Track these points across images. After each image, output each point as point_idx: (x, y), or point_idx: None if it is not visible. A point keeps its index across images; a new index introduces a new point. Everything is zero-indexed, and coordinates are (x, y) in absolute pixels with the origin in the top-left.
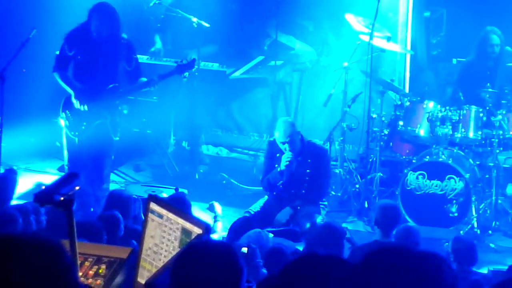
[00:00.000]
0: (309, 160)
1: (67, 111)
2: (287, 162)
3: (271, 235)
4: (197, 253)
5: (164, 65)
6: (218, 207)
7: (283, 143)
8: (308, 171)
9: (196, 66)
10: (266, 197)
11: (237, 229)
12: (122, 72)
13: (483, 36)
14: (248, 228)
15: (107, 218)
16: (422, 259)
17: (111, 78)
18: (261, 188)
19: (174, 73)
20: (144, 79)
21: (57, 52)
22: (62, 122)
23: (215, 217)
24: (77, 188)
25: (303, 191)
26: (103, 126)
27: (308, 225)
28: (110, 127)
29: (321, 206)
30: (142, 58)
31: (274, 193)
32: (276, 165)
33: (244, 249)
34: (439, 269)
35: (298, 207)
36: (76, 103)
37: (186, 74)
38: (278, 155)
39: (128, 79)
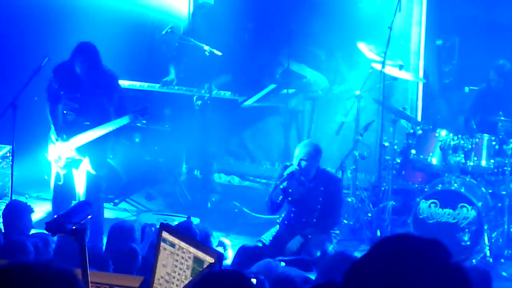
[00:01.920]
0: (322, 188)
1: (52, 144)
2: (289, 171)
3: (283, 263)
4: (213, 282)
5: (175, 93)
6: (225, 240)
7: (298, 158)
8: (320, 199)
9: (147, 114)
10: (277, 226)
11: (246, 255)
12: (105, 108)
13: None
14: (258, 256)
15: (124, 251)
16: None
17: (89, 116)
18: (273, 216)
19: (130, 118)
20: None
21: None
22: (50, 154)
23: (224, 246)
24: (89, 217)
25: (314, 220)
26: (82, 161)
27: (318, 253)
28: (90, 163)
29: (332, 234)
30: (154, 86)
31: (284, 221)
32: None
33: (253, 280)
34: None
35: (309, 236)
36: (54, 139)
37: (144, 121)
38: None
39: (116, 116)
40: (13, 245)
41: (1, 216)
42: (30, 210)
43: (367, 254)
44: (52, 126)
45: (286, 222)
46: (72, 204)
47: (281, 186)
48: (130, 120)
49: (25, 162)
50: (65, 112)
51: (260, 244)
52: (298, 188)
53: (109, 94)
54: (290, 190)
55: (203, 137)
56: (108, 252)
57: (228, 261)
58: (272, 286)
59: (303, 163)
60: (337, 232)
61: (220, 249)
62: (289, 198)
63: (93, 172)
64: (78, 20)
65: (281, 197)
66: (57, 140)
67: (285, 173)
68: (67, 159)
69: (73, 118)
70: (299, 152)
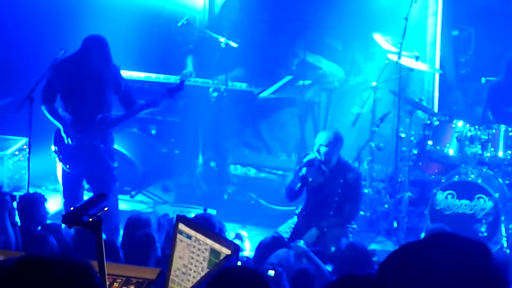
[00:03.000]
0: (341, 180)
1: (60, 144)
2: (308, 158)
3: (301, 242)
4: (229, 281)
5: (191, 85)
6: (242, 232)
7: (318, 144)
8: (339, 191)
9: (183, 88)
10: (295, 218)
11: (265, 248)
12: (112, 100)
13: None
14: (277, 248)
15: (141, 238)
16: (471, 244)
17: (100, 108)
18: (289, 208)
19: (165, 97)
20: (142, 102)
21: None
22: (56, 155)
23: (241, 238)
24: (105, 209)
25: (332, 212)
26: (98, 156)
27: (333, 249)
28: (106, 155)
29: (349, 229)
30: (170, 78)
31: (302, 212)
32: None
33: (271, 272)
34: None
35: (325, 229)
36: (65, 138)
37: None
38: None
39: (122, 105)
40: (35, 240)
41: (16, 209)
42: (43, 199)
43: (409, 247)
44: (61, 126)
45: (304, 213)
46: (88, 196)
47: (300, 174)
48: (169, 96)
49: (41, 155)
50: (70, 108)
51: (277, 235)
52: (318, 177)
53: (117, 83)
54: (310, 179)
55: (219, 129)
56: (124, 244)
57: (245, 252)
58: (289, 277)
59: (323, 149)
60: (354, 226)
61: (237, 242)
62: (308, 187)
63: (112, 164)
64: (93, 12)
65: (299, 184)
66: (68, 139)
67: (304, 160)
68: (74, 158)
69: (80, 112)
70: (319, 139)
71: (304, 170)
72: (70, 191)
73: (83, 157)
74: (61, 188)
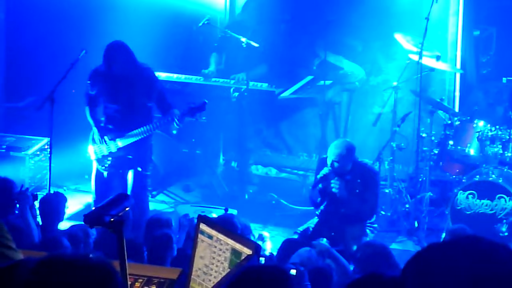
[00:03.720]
0: (358, 180)
1: (95, 144)
2: (322, 174)
3: (324, 239)
4: (252, 278)
5: (212, 85)
6: (265, 233)
7: (330, 159)
8: (357, 191)
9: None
10: (315, 218)
11: (290, 245)
12: (148, 104)
13: None
14: (301, 246)
15: (158, 237)
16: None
17: (132, 114)
18: (310, 208)
19: (186, 115)
20: (177, 112)
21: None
22: (91, 155)
23: (262, 239)
24: (127, 209)
25: (351, 211)
26: (128, 161)
27: (355, 247)
28: (136, 162)
29: (370, 228)
30: (191, 78)
31: (322, 212)
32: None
33: (293, 271)
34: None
35: (343, 210)
36: (97, 141)
37: (203, 118)
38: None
39: (158, 110)
40: (49, 241)
41: (38, 209)
42: (64, 200)
43: (432, 248)
44: (95, 128)
45: (325, 214)
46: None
47: (317, 188)
48: (190, 116)
49: (63, 155)
50: (107, 114)
51: (297, 235)
52: (335, 184)
53: (147, 90)
54: (331, 185)
55: (240, 129)
56: (145, 243)
57: (267, 252)
58: (310, 276)
59: (336, 164)
60: (375, 225)
61: (259, 242)
62: (327, 191)
63: (143, 172)
64: (114, 13)
65: (319, 198)
66: (101, 142)
67: (318, 176)
68: (109, 160)
69: (115, 119)
70: (330, 154)
71: (320, 185)
72: (101, 190)
73: (115, 158)
74: (92, 187)
